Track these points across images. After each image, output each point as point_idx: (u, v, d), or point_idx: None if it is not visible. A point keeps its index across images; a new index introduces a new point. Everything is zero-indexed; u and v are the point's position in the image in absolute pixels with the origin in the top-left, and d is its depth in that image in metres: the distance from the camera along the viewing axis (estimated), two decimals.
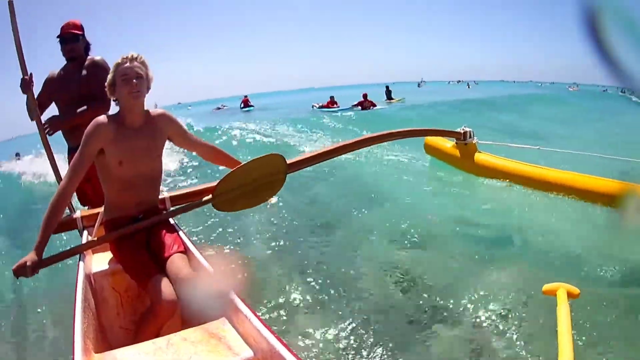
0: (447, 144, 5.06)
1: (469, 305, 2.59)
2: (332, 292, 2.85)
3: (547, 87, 49.05)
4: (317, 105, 18.28)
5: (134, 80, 1.98)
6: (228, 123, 11.73)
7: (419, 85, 56.09)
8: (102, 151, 1.98)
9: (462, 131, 4.70)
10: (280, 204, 4.37)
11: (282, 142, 9.05)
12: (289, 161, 2.64)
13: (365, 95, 16.76)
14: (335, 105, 17.55)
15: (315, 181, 5.33)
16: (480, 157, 4.73)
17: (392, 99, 20.22)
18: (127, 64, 1.99)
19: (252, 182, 2.37)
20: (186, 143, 2.32)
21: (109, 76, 2.03)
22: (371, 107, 16.23)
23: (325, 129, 10.68)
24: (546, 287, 1.97)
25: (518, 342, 2.25)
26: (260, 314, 2.59)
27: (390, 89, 21.18)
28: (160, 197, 2.35)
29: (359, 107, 16.32)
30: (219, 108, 27.22)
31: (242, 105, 25.88)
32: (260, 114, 20.06)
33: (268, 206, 3.96)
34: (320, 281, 2.98)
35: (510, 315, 2.48)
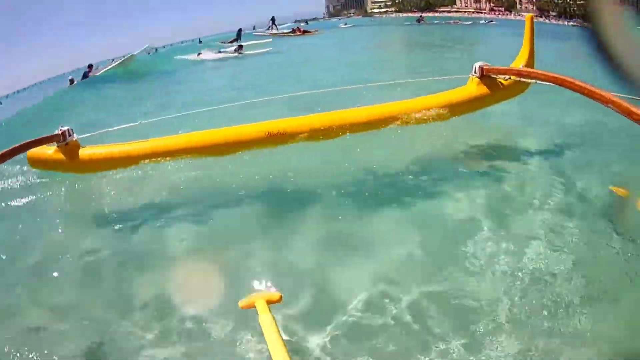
0: (48, 150, 4.64)
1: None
2: None
3: None
4: None
5: None
6: None
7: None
8: None
9: (59, 132, 4.44)
10: None
11: None
12: None
13: None
14: None
15: None
16: (86, 152, 4.61)
17: None
18: None
19: None
20: None
21: None
22: None
23: None
24: (242, 302, 1.87)
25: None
26: None
27: None
28: None
29: None
30: None
31: None
32: None
33: None
34: None
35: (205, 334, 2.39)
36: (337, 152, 4.50)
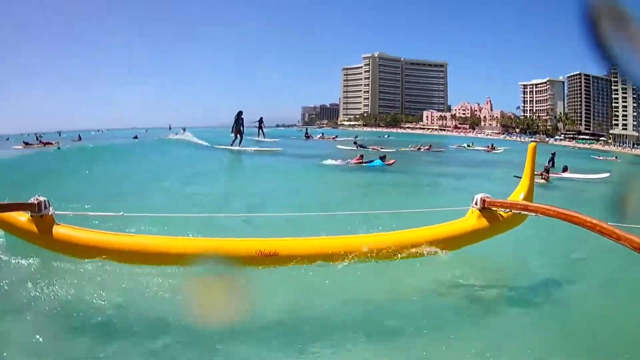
0: (21, 217, 4.14)
1: None
2: None
3: None
4: None
5: None
6: None
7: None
8: None
9: (35, 201, 4.02)
10: None
11: None
12: None
13: None
14: None
15: None
16: (60, 230, 4.14)
17: None
18: None
19: None
20: None
21: None
22: None
23: None
24: None
25: None
26: None
27: None
28: None
29: None
30: None
31: None
32: None
33: None
34: None
35: None
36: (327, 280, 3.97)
